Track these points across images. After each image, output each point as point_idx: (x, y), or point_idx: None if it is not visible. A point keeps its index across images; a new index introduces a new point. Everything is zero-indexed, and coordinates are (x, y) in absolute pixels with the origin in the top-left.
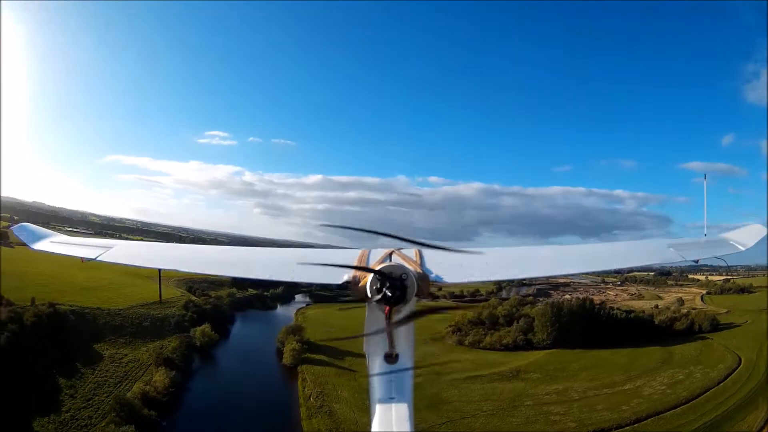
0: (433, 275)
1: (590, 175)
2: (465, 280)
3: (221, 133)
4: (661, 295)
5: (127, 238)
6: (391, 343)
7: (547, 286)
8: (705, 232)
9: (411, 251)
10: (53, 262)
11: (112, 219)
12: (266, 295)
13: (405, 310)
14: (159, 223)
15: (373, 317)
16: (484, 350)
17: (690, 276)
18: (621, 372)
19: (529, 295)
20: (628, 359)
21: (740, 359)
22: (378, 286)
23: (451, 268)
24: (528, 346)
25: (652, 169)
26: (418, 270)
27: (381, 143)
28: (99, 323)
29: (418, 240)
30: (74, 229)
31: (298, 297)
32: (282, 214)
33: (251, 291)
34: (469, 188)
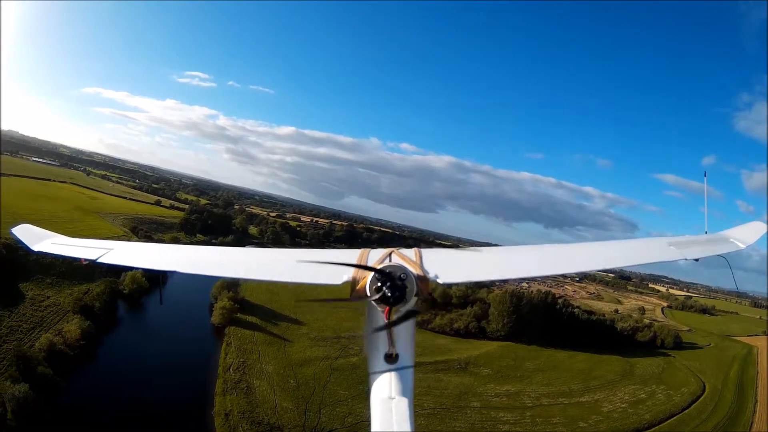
0: (432, 275)
1: (562, 167)
2: (464, 279)
3: (201, 74)
4: (620, 299)
5: (91, 173)
6: (391, 342)
7: None
8: (706, 230)
9: (411, 251)
10: (8, 191)
11: (82, 152)
12: (214, 242)
13: (405, 310)
14: (128, 160)
15: (373, 318)
16: (432, 332)
17: (650, 285)
18: (579, 380)
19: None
20: (587, 366)
21: (704, 386)
22: (378, 286)
23: (451, 267)
24: (480, 334)
25: (627, 173)
26: (418, 270)
27: (358, 103)
28: (29, 260)
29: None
30: (41, 160)
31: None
32: (250, 162)
33: (200, 237)
34: (440, 160)
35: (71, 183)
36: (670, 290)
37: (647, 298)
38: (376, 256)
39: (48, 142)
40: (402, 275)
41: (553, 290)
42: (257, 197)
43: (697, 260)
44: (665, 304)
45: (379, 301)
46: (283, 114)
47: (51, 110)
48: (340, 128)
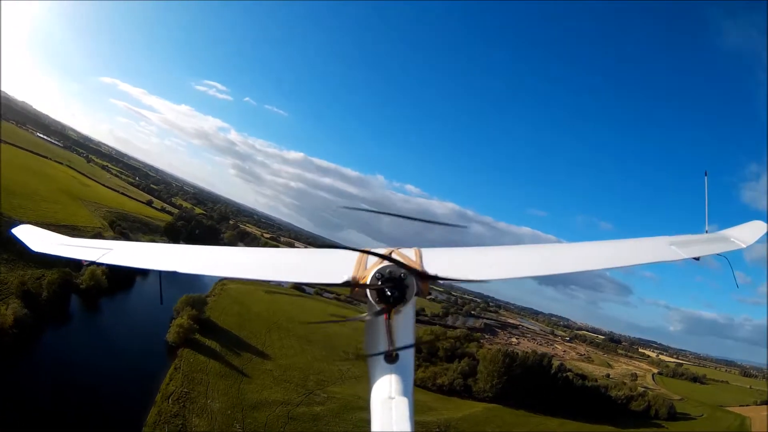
0: (432, 274)
1: (564, 227)
2: (465, 278)
3: (219, 85)
4: (610, 362)
5: (92, 160)
6: (391, 342)
7: (495, 323)
8: (706, 229)
9: (411, 251)
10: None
11: (90, 139)
12: None
13: (405, 309)
14: (134, 156)
15: (374, 318)
16: (413, 386)
17: (640, 350)
18: None
19: (476, 329)
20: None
21: None
22: (378, 285)
23: (451, 266)
24: (465, 393)
25: (626, 236)
26: (418, 270)
27: (368, 138)
28: None
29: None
30: (46, 137)
31: None
32: (255, 181)
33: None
34: (443, 206)
35: (67, 165)
36: (660, 356)
37: (637, 363)
38: (375, 256)
39: (59, 122)
40: (402, 275)
41: (542, 348)
42: (256, 216)
43: (697, 259)
44: (656, 371)
45: (379, 300)
46: (294, 138)
47: (68, 92)
48: (348, 161)
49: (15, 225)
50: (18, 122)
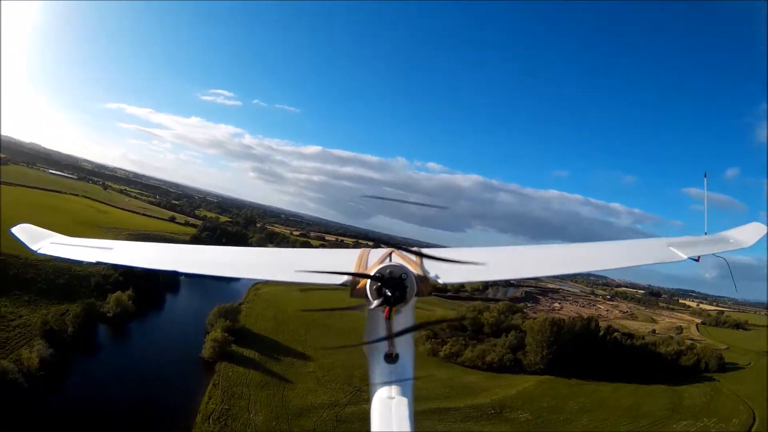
0: (432, 275)
1: (588, 184)
2: (465, 279)
3: (226, 92)
4: (654, 317)
5: (108, 186)
6: (391, 343)
7: (535, 290)
8: (705, 230)
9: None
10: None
11: (105, 167)
12: None
13: (405, 310)
14: (151, 176)
15: (374, 317)
16: (462, 367)
17: (681, 301)
18: (628, 419)
19: (518, 299)
20: (634, 401)
21: (753, 414)
22: (378, 286)
23: (451, 267)
24: (516, 368)
25: (652, 189)
26: (418, 270)
27: (385, 122)
28: (9, 273)
29: (414, 248)
30: (58, 172)
31: None
32: (277, 181)
33: None
34: (467, 179)
35: (83, 196)
36: (701, 305)
37: (680, 315)
38: (376, 256)
39: (71, 156)
40: (402, 275)
41: (585, 310)
42: (283, 216)
43: (697, 259)
44: (699, 321)
45: (379, 301)
46: (309, 133)
47: (75, 124)
48: (366, 147)
49: (23, 273)
50: (28, 163)
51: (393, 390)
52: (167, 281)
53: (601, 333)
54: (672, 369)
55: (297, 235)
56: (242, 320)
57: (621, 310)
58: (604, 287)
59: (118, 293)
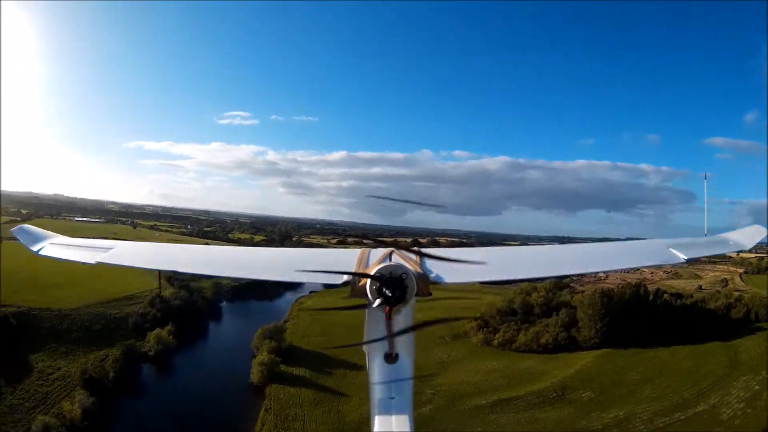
0: (433, 275)
1: (614, 149)
2: (465, 280)
3: (242, 113)
4: (697, 273)
5: (138, 225)
6: (391, 343)
7: None
8: (705, 232)
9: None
10: (27, 255)
11: (132, 206)
12: (265, 281)
13: (405, 310)
14: (181, 207)
15: (374, 317)
16: (517, 353)
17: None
18: (689, 383)
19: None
20: (693, 363)
21: None
22: (378, 286)
23: (451, 267)
24: (572, 346)
25: (676, 144)
26: (418, 270)
27: (405, 117)
28: (43, 327)
29: (418, 249)
30: (85, 219)
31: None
32: (307, 192)
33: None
34: (494, 162)
35: (113, 238)
36: (741, 255)
37: (722, 267)
38: (375, 256)
39: (96, 201)
40: (402, 275)
41: (630, 275)
42: (318, 226)
43: (697, 259)
44: (741, 271)
45: (379, 300)
46: (331, 140)
47: (96, 169)
48: (390, 145)
49: (58, 325)
50: (51, 215)
51: (393, 390)
52: (208, 309)
53: (651, 297)
54: (724, 324)
55: (334, 243)
56: (288, 338)
57: (665, 271)
58: None
59: (157, 330)
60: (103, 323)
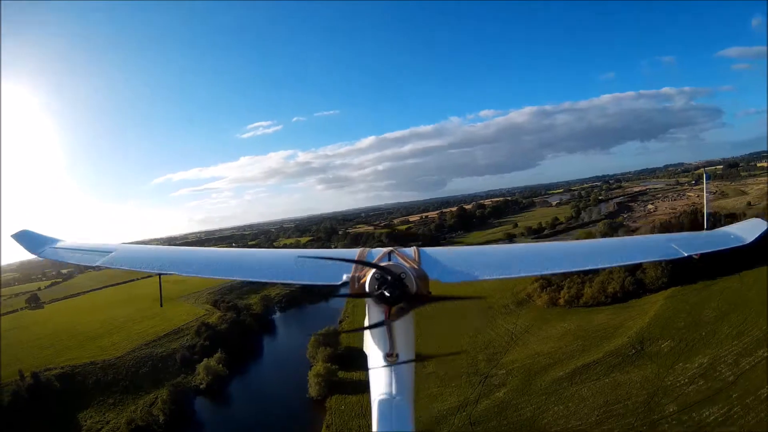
0: (432, 274)
1: (635, 78)
2: (464, 279)
3: (263, 123)
4: (742, 189)
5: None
6: (392, 342)
7: (625, 198)
8: (705, 227)
9: (410, 250)
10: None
11: (174, 238)
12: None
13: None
14: (224, 227)
15: (374, 316)
16: (586, 308)
17: (758, 165)
18: (763, 312)
19: (612, 213)
20: (761, 287)
21: None
22: (377, 285)
23: (450, 266)
24: (640, 290)
25: (693, 62)
26: (417, 269)
27: (424, 89)
28: (88, 383)
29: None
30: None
31: None
32: (346, 184)
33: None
34: (521, 114)
35: (157, 274)
36: None
37: (762, 179)
38: (374, 256)
39: (138, 242)
40: (401, 274)
41: (678, 203)
42: (363, 215)
43: (697, 257)
44: None
45: (378, 300)
46: (357, 128)
47: (131, 210)
48: (417, 119)
49: (104, 377)
50: (94, 268)
51: (394, 389)
52: (260, 325)
53: (711, 221)
54: None
55: (381, 228)
56: (344, 339)
57: (711, 192)
58: (685, 173)
59: (205, 361)
60: (150, 365)
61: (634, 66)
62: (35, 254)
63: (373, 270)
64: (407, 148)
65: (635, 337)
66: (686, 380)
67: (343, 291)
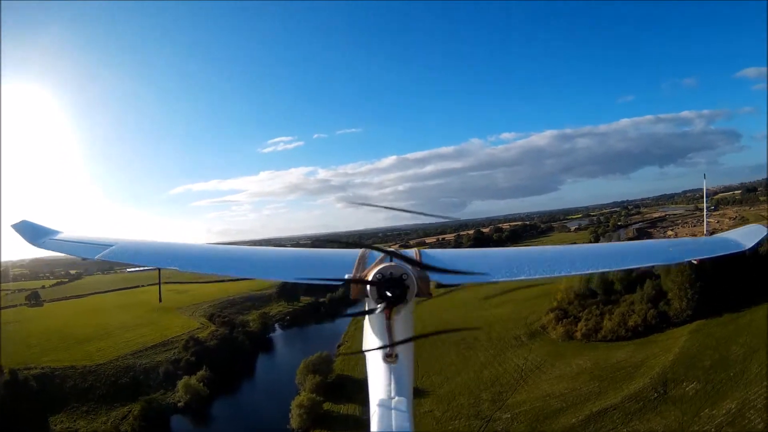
0: (433, 275)
1: (655, 101)
2: (466, 281)
3: (284, 138)
4: (762, 214)
5: None
6: (391, 342)
7: (644, 224)
8: (705, 232)
9: (411, 251)
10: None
11: None
12: (322, 301)
13: (405, 310)
14: (241, 240)
15: (374, 318)
16: (605, 342)
17: None
18: None
19: (632, 239)
20: None
21: None
22: (378, 286)
23: (453, 267)
24: (663, 323)
25: (712, 83)
26: (419, 270)
27: (446, 110)
28: (66, 387)
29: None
30: (137, 268)
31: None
32: (365, 201)
33: (305, 300)
34: (542, 138)
35: (164, 282)
36: None
37: None
38: (376, 256)
39: None
40: (402, 275)
41: (698, 229)
42: (380, 234)
43: (697, 261)
44: None
45: (379, 299)
46: (379, 147)
47: (149, 218)
48: (438, 141)
49: (82, 383)
50: (104, 270)
51: (393, 390)
52: (255, 342)
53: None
54: None
55: (397, 248)
56: (340, 366)
57: (730, 218)
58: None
59: (185, 378)
60: (131, 376)
61: (654, 88)
62: (34, 245)
63: (375, 270)
64: (428, 168)
65: (658, 378)
66: (713, 429)
67: (346, 293)
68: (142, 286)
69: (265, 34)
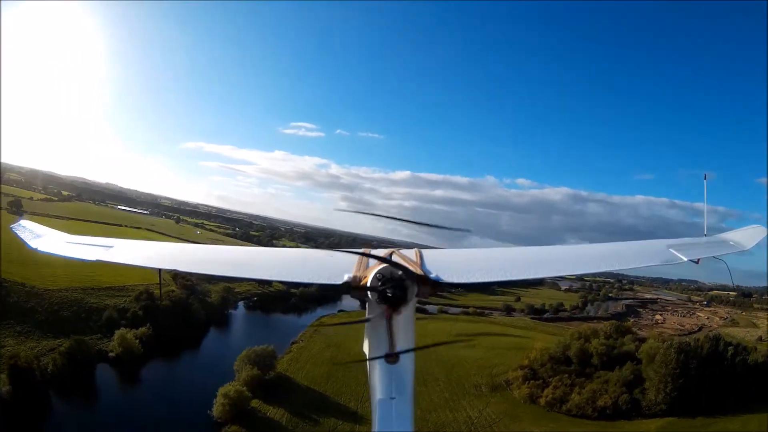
0: (433, 275)
1: (672, 185)
2: (465, 280)
3: (307, 125)
4: (754, 321)
5: (182, 220)
6: (392, 343)
7: (634, 302)
8: (705, 233)
9: (411, 251)
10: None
11: (186, 203)
12: (294, 293)
13: (406, 310)
14: (237, 211)
15: (374, 319)
16: (568, 416)
17: None
18: None
19: (619, 314)
20: None
21: None
22: (379, 285)
23: (451, 268)
24: (633, 411)
25: (731, 183)
26: (419, 270)
27: (472, 142)
28: (8, 301)
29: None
30: (128, 208)
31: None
32: (367, 208)
33: (277, 287)
34: (556, 192)
35: (147, 229)
36: None
37: None
38: (376, 258)
39: (150, 194)
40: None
41: (687, 320)
42: (375, 243)
43: (696, 262)
44: None
45: (380, 300)
46: (396, 158)
47: (153, 164)
48: (456, 169)
49: (24, 302)
50: (95, 200)
51: (394, 389)
52: (211, 315)
53: (730, 353)
54: None
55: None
56: (285, 365)
57: (720, 317)
58: (698, 292)
59: (123, 330)
60: (74, 310)
61: (675, 174)
62: (32, 246)
63: (375, 271)
64: (438, 192)
65: None
66: None
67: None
68: (125, 226)
69: (327, 26)
